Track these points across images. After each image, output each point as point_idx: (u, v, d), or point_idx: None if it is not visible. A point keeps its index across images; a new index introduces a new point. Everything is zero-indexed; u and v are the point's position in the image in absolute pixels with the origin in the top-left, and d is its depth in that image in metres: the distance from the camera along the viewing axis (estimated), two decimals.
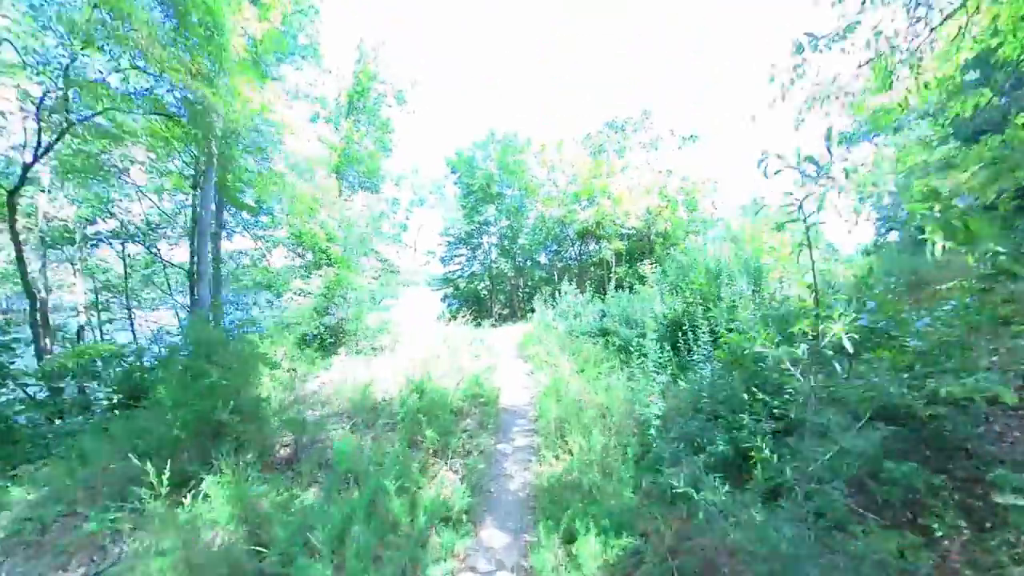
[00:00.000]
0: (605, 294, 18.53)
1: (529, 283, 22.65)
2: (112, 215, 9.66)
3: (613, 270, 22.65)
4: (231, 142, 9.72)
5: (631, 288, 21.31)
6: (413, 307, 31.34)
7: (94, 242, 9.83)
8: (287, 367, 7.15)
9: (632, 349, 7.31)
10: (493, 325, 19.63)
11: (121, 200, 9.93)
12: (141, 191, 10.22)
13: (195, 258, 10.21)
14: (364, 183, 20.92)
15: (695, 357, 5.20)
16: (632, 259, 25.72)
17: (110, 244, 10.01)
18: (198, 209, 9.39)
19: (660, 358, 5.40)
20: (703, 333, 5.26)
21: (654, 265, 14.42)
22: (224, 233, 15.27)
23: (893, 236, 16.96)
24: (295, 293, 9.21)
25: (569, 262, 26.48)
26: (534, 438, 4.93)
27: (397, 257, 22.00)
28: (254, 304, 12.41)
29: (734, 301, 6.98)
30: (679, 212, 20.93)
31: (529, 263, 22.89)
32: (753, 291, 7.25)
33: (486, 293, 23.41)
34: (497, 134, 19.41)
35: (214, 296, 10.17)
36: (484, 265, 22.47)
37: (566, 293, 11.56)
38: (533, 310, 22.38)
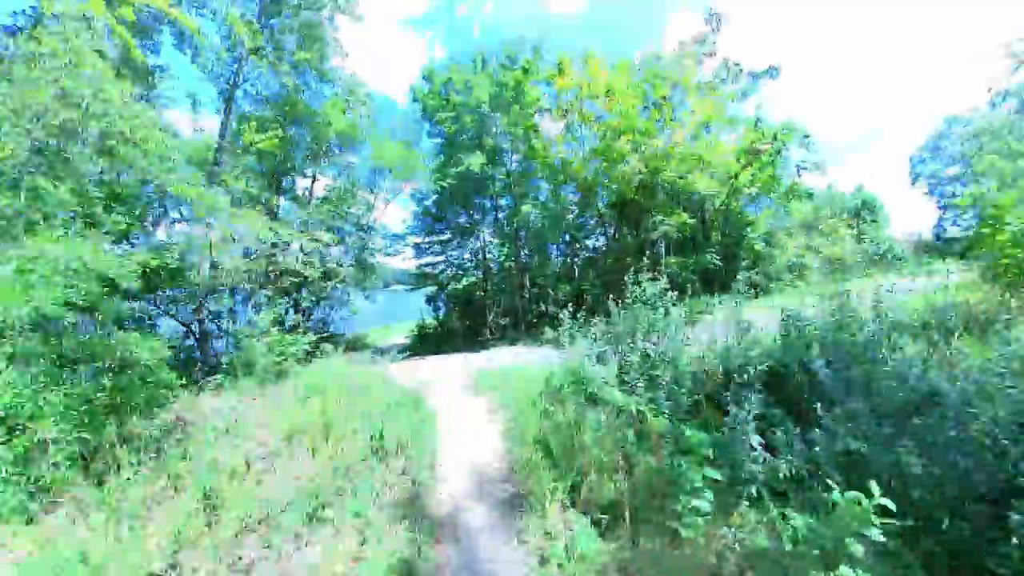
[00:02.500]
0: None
1: (539, 281, 15.71)
2: None
3: (663, 262, 15.64)
4: None
5: (682, 291, 14.52)
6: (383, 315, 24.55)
7: None
8: None
9: None
10: (482, 345, 12.77)
11: None
12: None
13: None
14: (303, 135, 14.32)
15: None
16: (683, 249, 18.51)
17: None
18: None
19: None
20: None
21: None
22: None
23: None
24: None
25: (593, 254, 19.42)
26: None
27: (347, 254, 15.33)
28: None
29: None
30: (776, 169, 13.80)
31: (536, 257, 15.92)
32: None
33: (481, 294, 16.61)
34: (489, 50, 12.49)
35: None
36: (476, 255, 15.64)
37: (642, 300, 4.70)
38: (545, 317, 15.43)
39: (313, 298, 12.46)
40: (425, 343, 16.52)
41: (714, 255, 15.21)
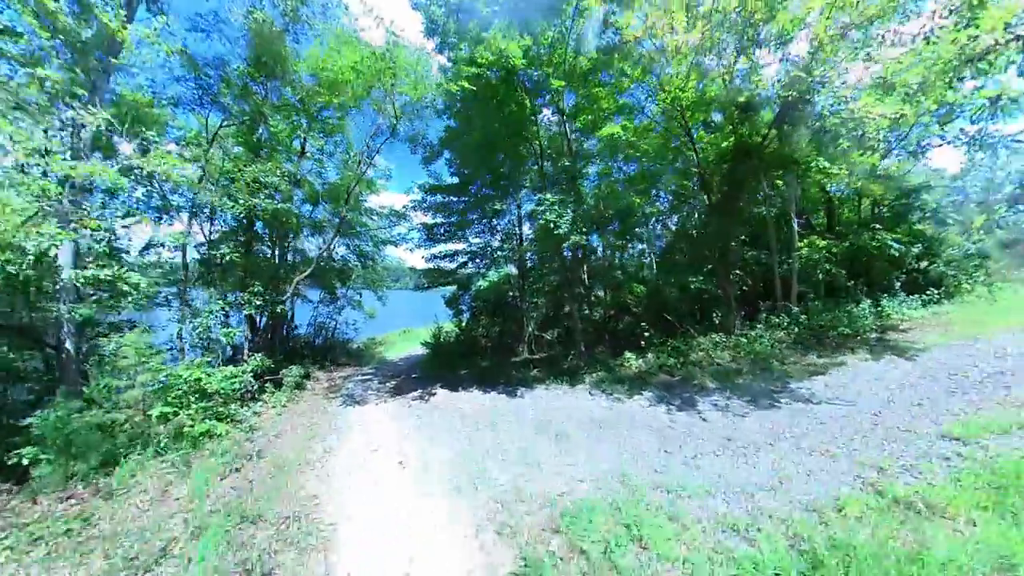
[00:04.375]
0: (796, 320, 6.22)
1: (616, 275, 10.71)
2: None
3: (796, 252, 10.23)
4: None
5: (854, 294, 9.23)
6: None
7: None
8: None
9: None
10: (519, 374, 7.37)
11: None
12: None
13: None
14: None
15: None
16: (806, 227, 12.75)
17: None
18: None
19: None
20: None
21: None
22: None
23: None
24: None
25: (674, 239, 14.09)
26: None
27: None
28: None
29: None
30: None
31: (593, 240, 10.75)
32: None
33: (516, 295, 11.92)
34: None
35: None
36: (507, 237, 10.95)
37: None
38: (606, 333, 9.66)
39: (259, 302, 8.15)
40: (440, 358, 12.08)
41: (885, 236, 9.65)
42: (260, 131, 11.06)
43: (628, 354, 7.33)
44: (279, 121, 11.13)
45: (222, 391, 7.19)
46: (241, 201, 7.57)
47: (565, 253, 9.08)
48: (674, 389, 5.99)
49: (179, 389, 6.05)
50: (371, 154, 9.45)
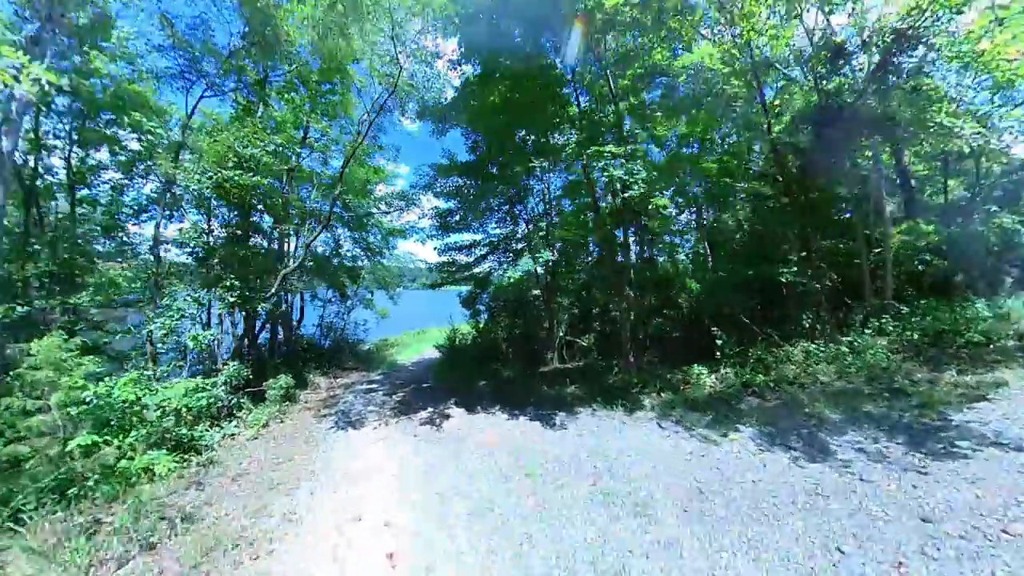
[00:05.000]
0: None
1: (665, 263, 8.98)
2: None
3: (891, 239, 8.25)
4: None
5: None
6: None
7: None
8: None
9: None
10: (553, 391, 5.59)
11: None
12: None
13: None
14: None
15: None
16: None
17: None
18: None
19: None
20: None
21: None
22: None
23: None
24: None
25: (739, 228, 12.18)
26: None
27: None
28: None
29: None
30: None
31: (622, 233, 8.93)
32: None
33: (537, 295, 10.32)
34: None
35: None
36: (532, 221, 9.36)
37: None
38: (643, 337, 7.10)
39: (233, 297, 6.71)
40: (455, 364, 10.58)
41: (1009, 219, 7.69)
42: (259, 113, 9.83)
43: (697, 368, 5.64)
44: (281, 110, 9.89)
45: (188, 409, 5.83)
46: (210, 174, 6.16)
47: (592, 246, 7.41)
48: (779, 422, 4.26)
49: (115, 411, 4.66)
50: (370, 123, 7.97)
